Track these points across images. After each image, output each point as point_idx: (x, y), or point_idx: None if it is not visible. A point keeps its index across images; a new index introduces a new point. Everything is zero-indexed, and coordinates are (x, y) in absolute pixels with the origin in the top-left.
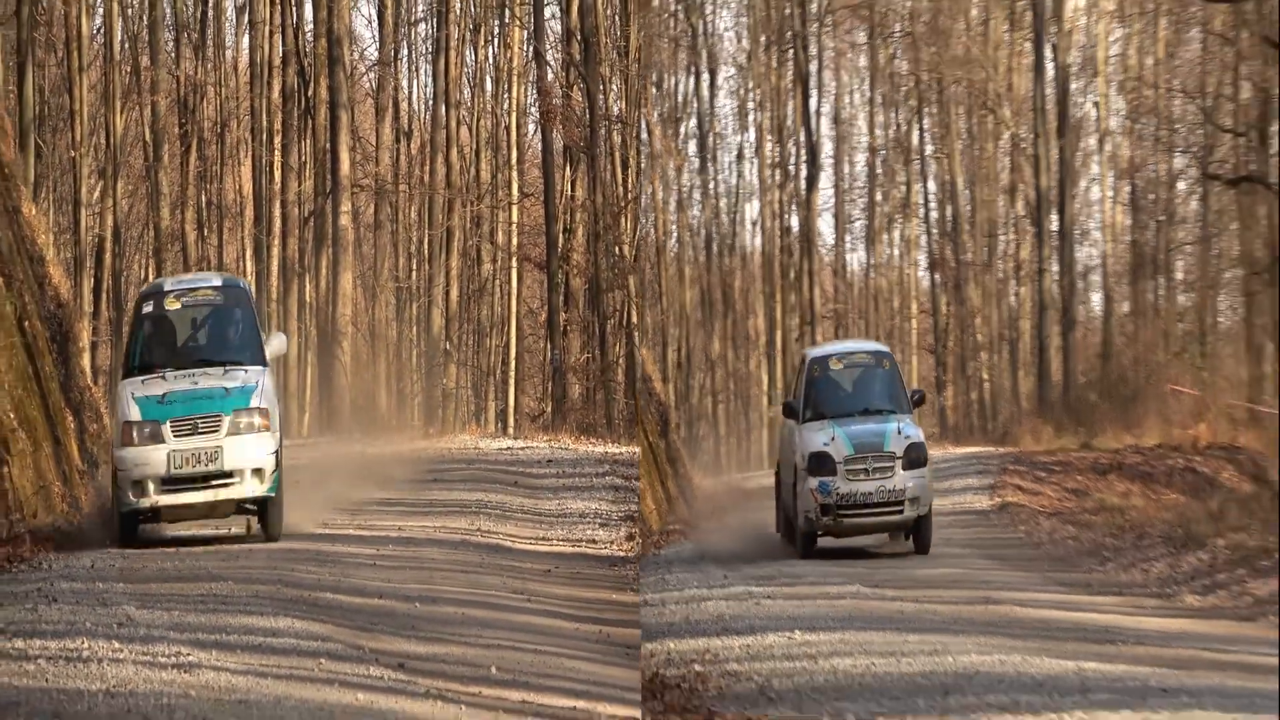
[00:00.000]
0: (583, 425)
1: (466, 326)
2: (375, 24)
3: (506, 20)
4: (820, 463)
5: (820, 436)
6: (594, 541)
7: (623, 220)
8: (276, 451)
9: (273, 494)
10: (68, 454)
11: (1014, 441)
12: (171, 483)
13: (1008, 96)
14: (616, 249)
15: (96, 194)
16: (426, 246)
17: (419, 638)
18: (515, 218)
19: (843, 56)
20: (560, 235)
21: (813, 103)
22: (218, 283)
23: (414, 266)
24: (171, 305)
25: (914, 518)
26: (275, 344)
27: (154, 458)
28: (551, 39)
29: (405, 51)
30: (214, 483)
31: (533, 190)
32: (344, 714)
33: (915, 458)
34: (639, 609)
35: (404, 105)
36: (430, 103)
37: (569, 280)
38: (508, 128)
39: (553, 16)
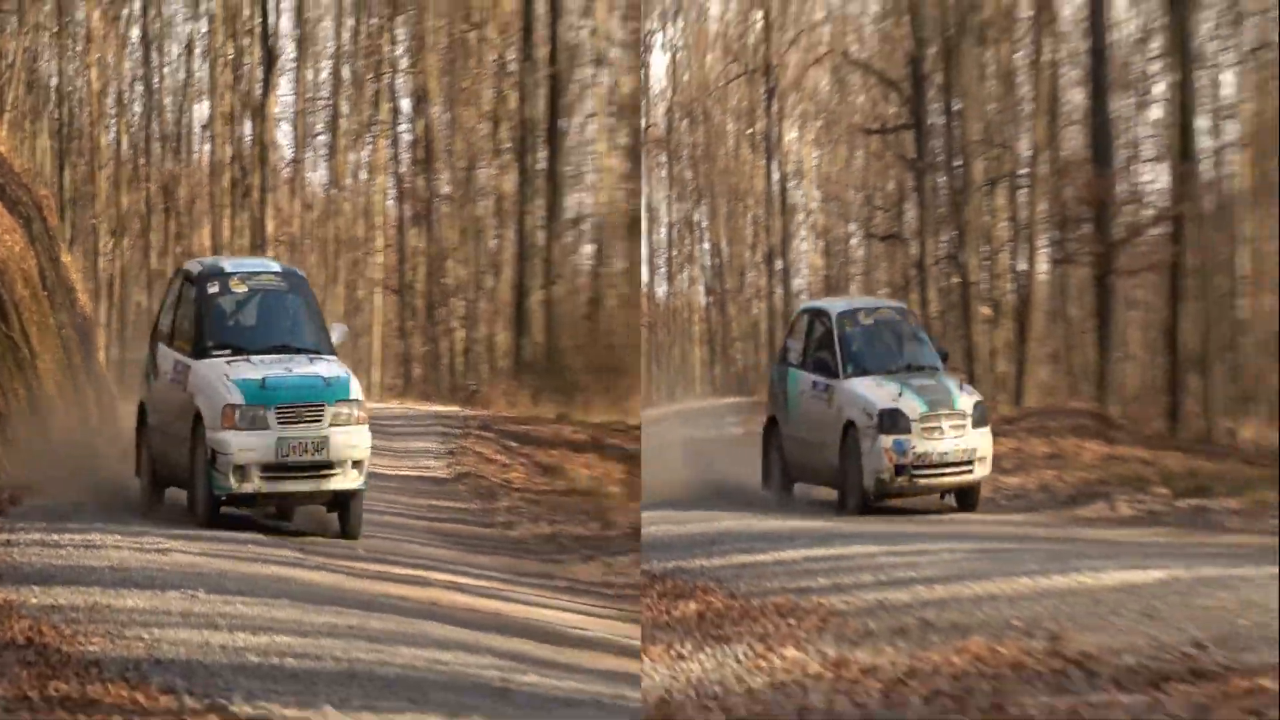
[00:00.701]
0: (422, 393)
1: (348, 332)
2: (291, 136)
3: (375, 132)
4: (894, 420)
5: (883, 392)
6: (429, 468)
7: (446, 263)
8: (370, 445)
9: (363, 488)
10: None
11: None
12: (276, 470)
13: (750, 192)
14: (443, 280)
15: (109, 247)
16: (324, 280)
17: (312, 530)
18: (380, 260)
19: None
20: (408, 272)
21: None
22: (277, 269)
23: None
24: (238, 287)
25: (981, 477)
26: (337, 334)
27: (260, 444)
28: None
29: (309, 153)
30: (320, 472)
31: (390, 243)
32: (264, 579)
33: (981, 416)
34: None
35: (309, 189)
36: (326, 187)
37: (414, 301)
38: (374, 201)
39: (406, 130)
